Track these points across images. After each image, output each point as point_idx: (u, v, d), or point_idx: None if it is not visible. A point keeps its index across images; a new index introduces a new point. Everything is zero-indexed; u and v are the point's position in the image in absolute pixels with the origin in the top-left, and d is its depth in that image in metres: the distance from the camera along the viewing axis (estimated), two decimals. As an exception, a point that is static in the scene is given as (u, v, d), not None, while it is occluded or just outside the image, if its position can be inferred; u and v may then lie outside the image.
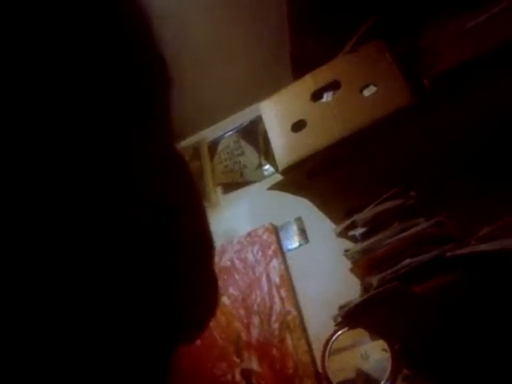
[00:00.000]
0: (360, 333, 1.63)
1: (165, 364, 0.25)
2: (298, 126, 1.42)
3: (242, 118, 2.18)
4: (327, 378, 1.65)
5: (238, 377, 1.78)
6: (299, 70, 1.48)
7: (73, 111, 0.20)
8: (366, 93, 1.30)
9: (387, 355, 1.57)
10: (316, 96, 1.42)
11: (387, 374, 1.55)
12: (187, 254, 0.27)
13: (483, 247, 1.09)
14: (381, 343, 1.59)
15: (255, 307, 1.86)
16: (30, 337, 0.18)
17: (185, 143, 2.26)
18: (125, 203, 0.22)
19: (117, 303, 0.21)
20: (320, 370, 1.68)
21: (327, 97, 1.41)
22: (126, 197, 0.22)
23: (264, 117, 1.53)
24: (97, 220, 0.20)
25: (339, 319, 1.39)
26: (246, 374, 1.77)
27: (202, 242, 0.29)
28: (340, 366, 1.65)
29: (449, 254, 1.16)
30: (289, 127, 1.43)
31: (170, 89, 0.29)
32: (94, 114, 0.21)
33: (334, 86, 1.38)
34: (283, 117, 1.47)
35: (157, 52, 0.28)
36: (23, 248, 0.18)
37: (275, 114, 1.50)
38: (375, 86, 1.29)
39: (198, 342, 1.83)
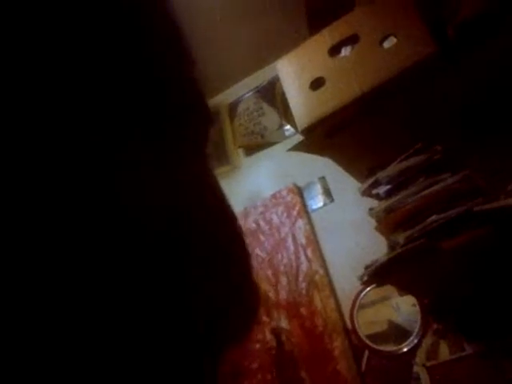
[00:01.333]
0: (388, 288, 1.63)
1: (206, 367, 0.25)
2: (317, 83, 1.38)
3: (262, 77, 2.13)
4: (356, 333, 1.67)
5: (268, 335, 1.82)
6: (315, 24, 1.42)
7: (73, 112, 0.19)
8: (386, 45, 1.25)
9: (416, 309, 1.57)
10: (334, 51, 1.36)
11: (418, 326, 1.56)
12: (222, 259, 0.27)
13: (514, 201, 1.05)
14: (409, 298, 1.59)
15: (282, 268, 1.87)
16: (31, 337, 0.18)
17: (204, 107, 2.24)
18: (139, 209, 0.21)
19: (146, 308, 0.21)
20: (349, 325, 1.69)
21: (345, 51, 1.35)
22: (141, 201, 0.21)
23: (281, 76, 1.49)
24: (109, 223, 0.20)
25: (365, 278, 1.38)
26: (276, 332, 1.81)
27: (235, 245, 0.29)
28: (370, 318, 1.66)
29: (477, 208, 1.13)
30: (307, 85, 1.39)
31: (191, 86, 0.27)
32: (98, 115, 0.20)
33: (352, 39, 1.32)
34: (301, 75, 1.43)
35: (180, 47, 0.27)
36: (23, 247, 0.18)
37: (292, 72, 1.45)
38: (395, 36, 1.24)
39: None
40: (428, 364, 1.52)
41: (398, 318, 1.62)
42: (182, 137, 0.25)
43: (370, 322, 1.67)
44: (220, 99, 2.23)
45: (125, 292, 0.20)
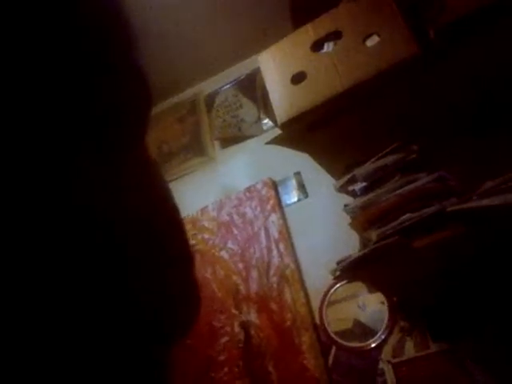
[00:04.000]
0: (358, 285, 1.65)
1: (155, 366, 0.25)
2: (298, 77, 1.38)
3: (240, 70, 2.12)
4: (324, 329, 1.68)
5: (236, 328, 1.82)
6: (299, 19, 1.42)
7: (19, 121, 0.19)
8: (369, 43, 1.26)
9: (384, 307, 1.60)
10: (317, 46, 1.37)
11: (384, 324, 1.58)
12: (165, 259, 0.27)
13: (485, 202, 1.08)
14: (378, 295, 1.62)
15: (254, 261, 1.87)
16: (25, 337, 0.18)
17: (181, 97, 2.22)
18: (89, 213, 0.21)
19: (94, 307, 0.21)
20: (317, 321, 1.71)
21: (328, 47, 1.36)
22: (91, 206, 0.21)
23: (262, 69, 1.49)
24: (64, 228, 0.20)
25: (337, 273, 1.40)
26: (245, 325, 1.81)
27: (179, 246, 0.29)
28: (338, 316, 1.68)
29: (450, 208, 1.15)
30: (288, 79, 1.39)
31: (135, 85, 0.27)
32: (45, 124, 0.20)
33: (335, 35, 1.32)
34: (282, 68, 1.42)
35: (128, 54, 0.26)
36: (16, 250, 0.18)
37: (274, 65, 1.45)
38: (378, 35, 1.25)
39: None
40: (393, 361, 1.55)
41: (364, 317, 1.64)
42: (121, 138, 0.25)
43: (337, 318, 1.69)
44: (198, 90, 2.21)
45: (74, 288, 0.20)
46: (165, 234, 0.27)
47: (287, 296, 1.78)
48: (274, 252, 1.85)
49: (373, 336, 1.60)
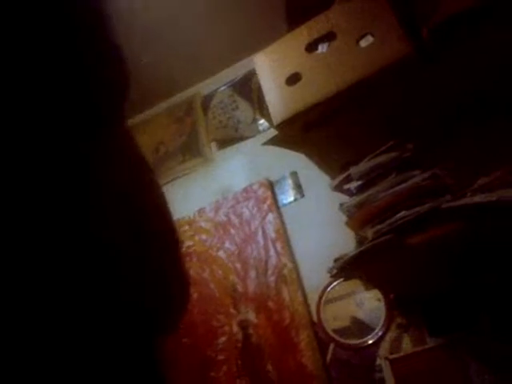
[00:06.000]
0: (355, 283, 1.66)
1: (149, 356, 0.26)
2: (293, 78, 1.40)
3: (236, 71, 2.14)
4: (322, 327, 1.70)
5: (235, 328, 1.82)
6: (294, 20, 1.44)
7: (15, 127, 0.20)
8: (363, 43, 1.27)
9: (381, 304, 1.61)
10: (311, 47, 1.38)
11: (381, 321, 1.60)
12: (156, 250, 0.28)
13: (479, 198, 1.09)
14: (375, 293, 1.63)
15: (251, 261, 1.88)
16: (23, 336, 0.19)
17: (178, 98, 2.23)
18: (83, 208, 0.22)
19: (81, 300, 0.22)
20: (315, 319, 1.72)
21: (322, 48, 1.37)
22: (84, 202, 0.22)
23: (258, 70, 1.50)
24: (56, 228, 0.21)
25: (334, 271, 1.41)
26: (243, 324, 1.82)
27: (168, 238, 0.30)
28: (335, 314, 1.70)
29: (444, 205, 1.17)
30: (283, 80, 1.41)
31: (122, 87, 0.28)
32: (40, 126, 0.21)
33: (329, 36, 1.34)
34: (277, 70, 1.44)
35: (111, 53, 0.27)
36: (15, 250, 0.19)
37: (269, 67, 1.47)
38: (372, 36, 1.26)
39: (196, 296, 1.87)
40: (391, 357, 1.56)
41: (361, 315, 1.65)
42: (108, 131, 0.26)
43: (335, 316, 1.70)
44: (194, 91, 2.22)
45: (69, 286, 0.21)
46: (156, 232, 0.28)
47: (285, 295, 1.79)
48: (272, 251, 1.86)
49: (370, 333, 1.62)
